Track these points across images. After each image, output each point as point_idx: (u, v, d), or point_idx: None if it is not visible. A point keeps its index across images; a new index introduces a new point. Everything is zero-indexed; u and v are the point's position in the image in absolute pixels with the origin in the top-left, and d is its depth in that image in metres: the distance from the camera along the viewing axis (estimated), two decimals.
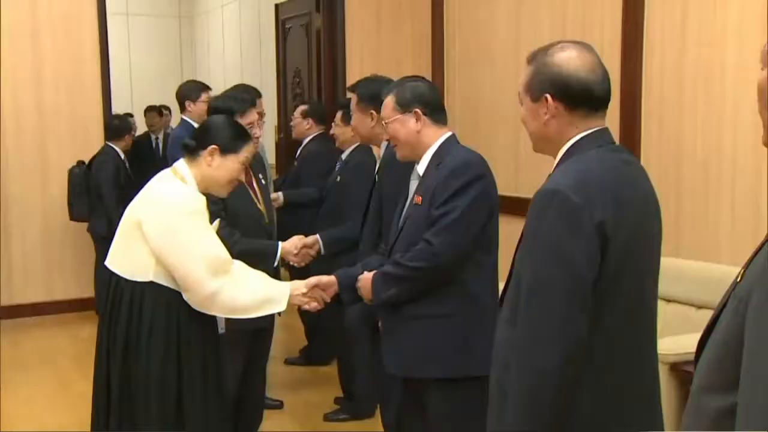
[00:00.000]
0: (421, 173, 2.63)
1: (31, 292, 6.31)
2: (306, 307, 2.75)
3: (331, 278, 2.77)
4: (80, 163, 6.09)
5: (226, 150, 2.64)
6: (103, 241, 5.67)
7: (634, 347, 1.81)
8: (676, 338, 3.18)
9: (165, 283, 2.55)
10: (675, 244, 3.93)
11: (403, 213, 2.68)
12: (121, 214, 2.67)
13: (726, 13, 3.69)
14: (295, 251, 3.31)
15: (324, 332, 4.79)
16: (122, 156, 6.12)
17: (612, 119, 4.26)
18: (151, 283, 2.54)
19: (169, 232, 2.51)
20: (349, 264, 3.03)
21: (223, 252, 2.58)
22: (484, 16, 5.37)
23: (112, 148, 6.05)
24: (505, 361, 1.80)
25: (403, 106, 2.62)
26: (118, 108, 7.24)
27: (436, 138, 2.63)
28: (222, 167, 2.64)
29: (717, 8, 3.74)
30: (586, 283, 1.68)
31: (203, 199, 2.60)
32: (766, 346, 1.00)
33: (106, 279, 2.67)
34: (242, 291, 2.60)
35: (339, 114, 4.25)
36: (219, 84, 7.64)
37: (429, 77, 5.79)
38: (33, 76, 6.15)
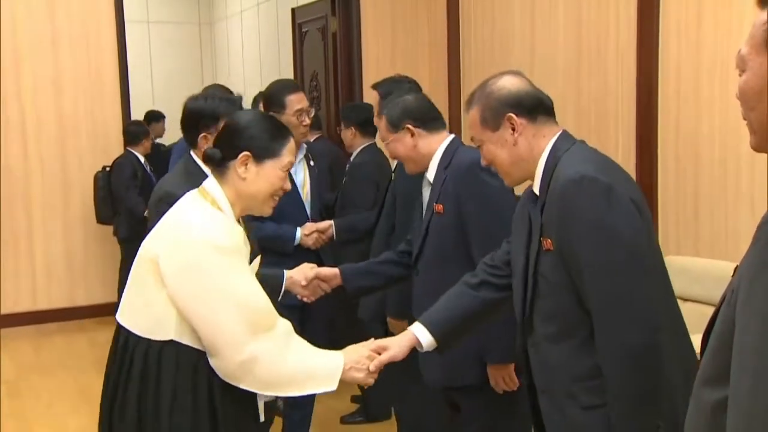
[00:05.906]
0: (431, 180, 2.64)
1: (54, 298, 6.38)
2: (304, 299, 2.61)
3: (333, 270, 2.70)
4: (105, 167, 6.24)
5: (261, 155, 1.99)
6: (126, 243, 5.88)
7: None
8: (694, 337, 3.13)
9: (190, 343, 1.90)
10: (693, 243, 3.89)
11: (423, 220, 2.66)
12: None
13: (742, 9, 3.64)
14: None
15: (342, 333, 4.80)
16: (142, 160, 6.23)
17: (629, 119, 4.26)
18: (171, 342, 1.89)
19: (192, 274, 1.86)
20: (359, 254, 3.22)
21: (266, 303, 1.94)
22: (499, 19, 5.35)
23: (131, 152, 6.20)
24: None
25: (395, 125, 2.64)
26: (140, 115, 7.32)
27: (436, 145, 2.64)
28: (259, 178, 1.99)
29: (733, 5, 3.69)
30: (643, 249, 1.75)
31: (240, 230, 1.99)
32: (749, 335, 0.99)
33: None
34: (288, 359, 1.93)
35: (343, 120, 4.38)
36: (239, 88, 7.69)
37: (445, 81, 5.80)
38: (53, 84, 6.23)
